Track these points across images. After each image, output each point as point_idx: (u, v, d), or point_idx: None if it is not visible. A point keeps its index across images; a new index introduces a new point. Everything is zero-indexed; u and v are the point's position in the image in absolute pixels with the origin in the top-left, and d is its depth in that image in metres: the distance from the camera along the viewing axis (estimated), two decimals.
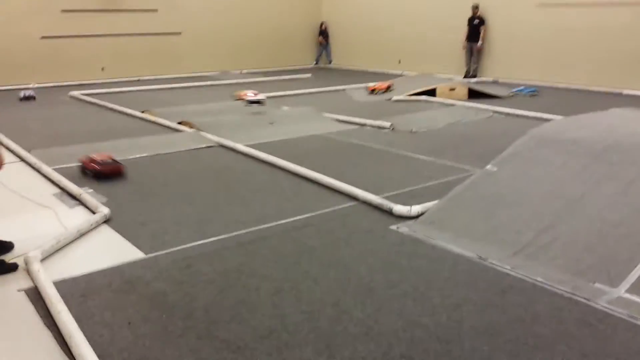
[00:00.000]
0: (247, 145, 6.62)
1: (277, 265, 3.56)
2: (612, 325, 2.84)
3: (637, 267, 3.27)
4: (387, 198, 4.67)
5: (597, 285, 3.22)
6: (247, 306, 3.06)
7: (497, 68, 13.04)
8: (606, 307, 3.00)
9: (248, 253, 3.76)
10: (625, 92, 10.45)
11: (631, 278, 3.21)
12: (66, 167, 5.68)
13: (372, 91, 10.91)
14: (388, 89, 10.85)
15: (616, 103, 8.93)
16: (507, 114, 8.66)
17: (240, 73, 14.77)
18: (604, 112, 5.93)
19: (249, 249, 3.83)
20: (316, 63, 17.38)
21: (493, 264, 3.54)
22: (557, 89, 11.51)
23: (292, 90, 11.43)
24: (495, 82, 12.53)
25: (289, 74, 14.61)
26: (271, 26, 16.23)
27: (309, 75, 14.65)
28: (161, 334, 2.80)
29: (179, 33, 14.64)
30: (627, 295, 3.10)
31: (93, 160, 5.45)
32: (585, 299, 3.09)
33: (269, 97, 10.28)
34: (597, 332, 2.78)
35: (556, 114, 7.84)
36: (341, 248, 3.83)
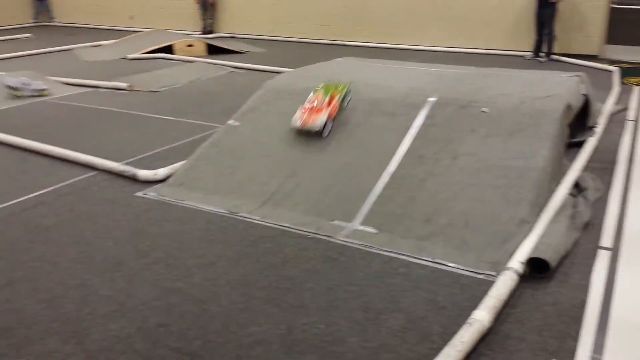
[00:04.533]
0: None
1: (5, 254, 3.12)
2: (350, 256, 3.15)
3: (366, 202, 3.66)
4: (130, 164, 4.41)
5: (336, 222, 3.52)
6: None
7: (233, 23, 13.16)
8: (344, 241, 3.31)
9: None
10: (347, 42, 11.50)
11: (362, 212, 3.58)
12: None
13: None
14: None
15: (338, 53, 9.79)
16: (246, 69, 8.84)
17: None
18: (328, 62, 6.40)
19: None
20: (35, 20, 15.38)
21: (243, 216, 3.62)
22: (288, 42, 12.13)
23: (8, 52, 9.95)
24: (232, 37, 12.66)
25: (4, 34, 12.66)
26: None
27: (28, 35, 12.90)
28: None
29: None
30: (361, 228, 3.46)
31: None
32: (326, 236, 3.36)
33: None
34: (339, 264, 3.06)
35: (289, 67, 8.26)
36: (82, 224, 3.50)
